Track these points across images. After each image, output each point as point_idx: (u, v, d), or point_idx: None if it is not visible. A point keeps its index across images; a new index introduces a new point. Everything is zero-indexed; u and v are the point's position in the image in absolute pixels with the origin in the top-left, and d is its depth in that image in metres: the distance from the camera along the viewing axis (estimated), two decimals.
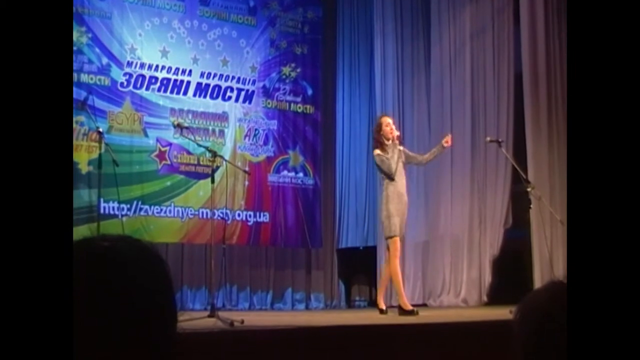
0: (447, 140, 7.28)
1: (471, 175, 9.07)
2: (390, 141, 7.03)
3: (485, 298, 8.80)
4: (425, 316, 6.79)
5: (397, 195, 7.01)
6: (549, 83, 8.48)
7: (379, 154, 7.04)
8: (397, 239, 7.02)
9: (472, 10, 9.46)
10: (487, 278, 8.86)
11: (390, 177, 6.99)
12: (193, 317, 5.57)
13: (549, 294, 1.50)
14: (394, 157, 7.02)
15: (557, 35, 8.55)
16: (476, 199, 9.07)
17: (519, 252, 8.63)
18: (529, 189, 6.89)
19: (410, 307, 6.98)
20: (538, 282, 7.72)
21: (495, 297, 8.70)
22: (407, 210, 7.19)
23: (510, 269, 9.00)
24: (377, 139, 7.12)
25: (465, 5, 9.50)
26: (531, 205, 6.97)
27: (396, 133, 7.12)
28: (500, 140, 7.61)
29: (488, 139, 7.78)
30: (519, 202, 8.41)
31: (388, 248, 7.20)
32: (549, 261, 7.52)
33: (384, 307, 7.20)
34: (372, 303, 10.16)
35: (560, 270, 7.70)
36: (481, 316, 6.67)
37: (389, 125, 7.11)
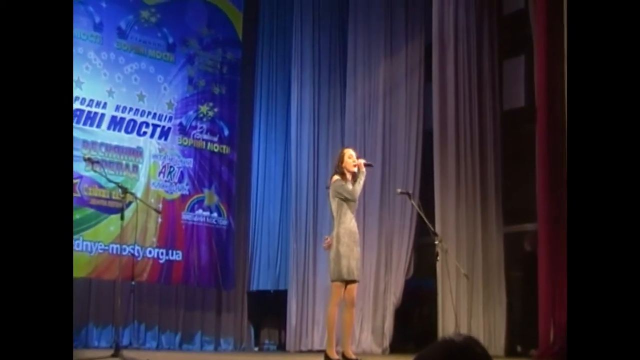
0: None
1: (379, 224, 9.20)
2: (351, 176, 6.56)
3: (388, 347, 8.90)
4: None
5: (348, 233, 6.42)
6: (457, 140, 8.66)
7: (337, 179, 6.52)
8: (338, 284, 6.38)
9: (387, 66, 9.70)
10: (391, 327, 8.96)
11: (352, 201, 6.45)
12: (96, 357, 5.49)
13: (441, 352, 1.59)
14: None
15: (467, 94, 8.74)
16: (383, 249, 9.23)
17: (423, 302, 8.77)
18: (436, 242, 7.03)
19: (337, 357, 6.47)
20: (442, 333, 7.86)
21: (398, 346, 8.84)
22: (358, 249, 6.53)
23: (415, 318, 9.13)
24: (338, 170, 6.60)
25: (380, 61, 9.74)
26: (438, 258, 7.10)
27: (362, 161, 6.66)
28: (410, 192, 7.71)
29: (399, 190, 7.87)
30: (425, 253, 8.56)
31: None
32: (454, 313, 7.66)
33: (335, 358, 6.47)
34: (281, 346, 10.19)
35: (464, 322, 7.86)
36: None
37: (352, 157, 6.64)
